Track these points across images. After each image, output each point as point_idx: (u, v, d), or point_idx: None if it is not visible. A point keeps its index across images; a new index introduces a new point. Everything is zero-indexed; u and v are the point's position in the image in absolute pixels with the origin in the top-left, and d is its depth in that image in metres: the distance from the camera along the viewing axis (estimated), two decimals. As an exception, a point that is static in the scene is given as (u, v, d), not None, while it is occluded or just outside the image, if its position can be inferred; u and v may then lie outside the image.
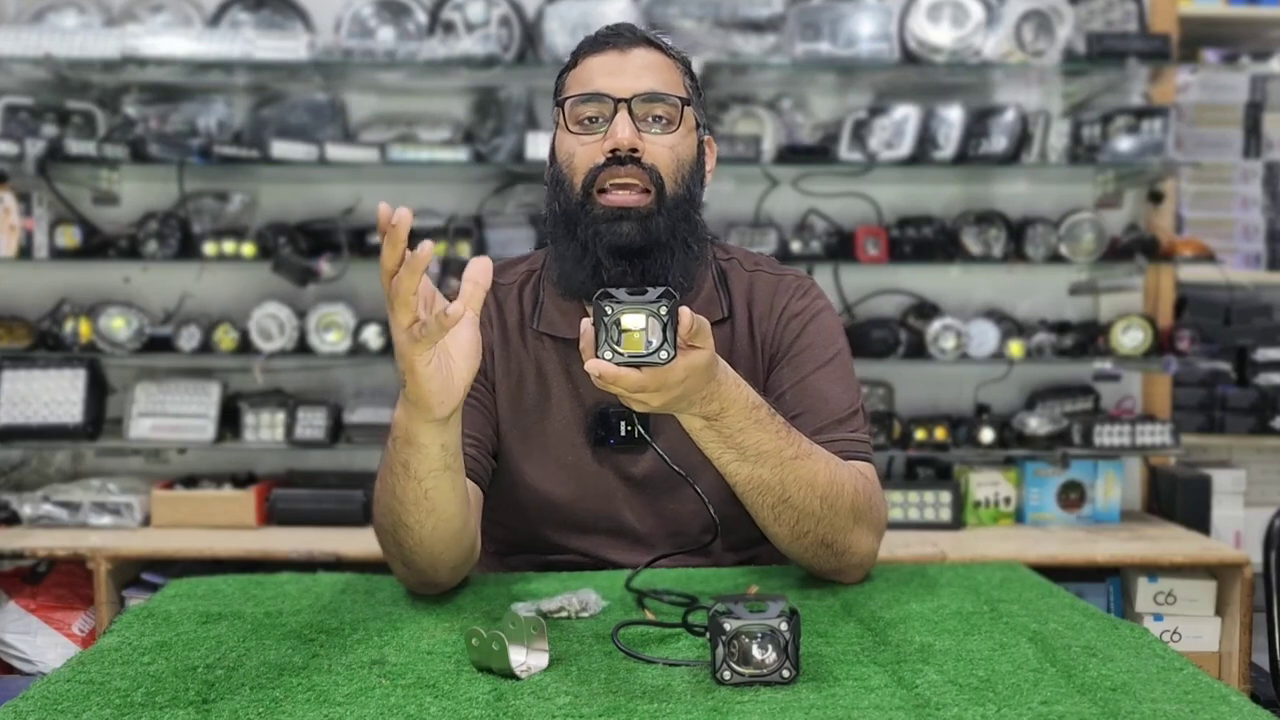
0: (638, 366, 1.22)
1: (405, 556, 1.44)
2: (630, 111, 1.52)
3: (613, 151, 1.51)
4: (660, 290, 1.22)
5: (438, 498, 1.37)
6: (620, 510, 1.62)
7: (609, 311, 1.22)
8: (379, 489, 1.43)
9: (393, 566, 1.50)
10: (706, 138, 1.65)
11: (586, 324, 1.23)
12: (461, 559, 1.48)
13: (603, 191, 1.53)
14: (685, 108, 1.56)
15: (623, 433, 1.59)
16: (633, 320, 1.22)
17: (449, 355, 1.28)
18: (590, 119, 1.55)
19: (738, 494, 1.46)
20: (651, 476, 1.59)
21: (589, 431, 1.60)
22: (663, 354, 1.22)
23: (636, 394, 1.24)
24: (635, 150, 1.51)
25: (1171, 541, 2.80)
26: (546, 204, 1.62)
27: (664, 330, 1.22)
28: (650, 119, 1.54)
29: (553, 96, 1.64)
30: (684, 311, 1.22)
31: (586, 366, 1.22)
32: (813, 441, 1.53)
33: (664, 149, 1.54)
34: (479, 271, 1.28)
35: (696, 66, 1.79)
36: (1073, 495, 3.00)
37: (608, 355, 1.22)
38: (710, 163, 1.66)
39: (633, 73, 1.55)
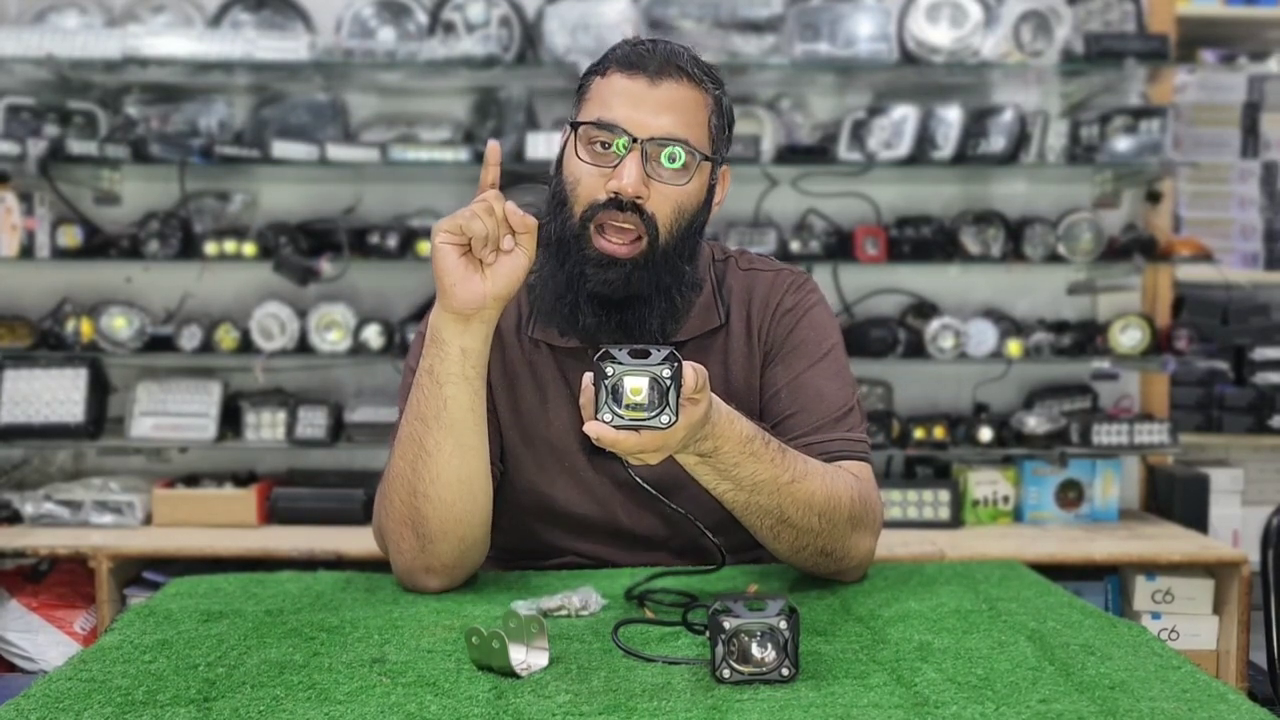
0: (637, 429, 1.20)
1: (419, 507, 1.45)
2: (644, 151, 1.48)
3: (615, 194, 1.48)
4: (665, 353, 1.19)
5: (456, 410, 1.43)
6: (620, 515, 1.62)
7: (610, 373, 1.19)
8: (399, 431, 1.49)
9: (399, 540, 1.49)
10: (723, 168, 1.61)
11: (588, 380, 1.22)
12: (469, 534, 1.49)
13: (600, 228, 1.50)
14: (702, 162, 1.52)
15: None
16: (634, 383, 1.19)
17: (477, 264, 1.42)
18: (604, 144, 1.50)
19: (736, 516, 1.46)
20: (650, 482, 1.58)
21: (586, 438, 1.59)
22: (664, 418, 1.19)
23: (635, 454, 1.24)
24: (639, 198, 1.48)
25: (1169, 540, 2.81)
26: (546, 215, 1.58)
27: (666, 394, 1.19)
28: (664, 158, 1.49)
29: (575, 94, 1.59)
30: (688, 373, 1.21)
31: (585, 428, 1.22)
32: (804, 439, 1.54)
33: (668, 200, 1.50)
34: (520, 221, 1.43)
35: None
36: (1071, 494, 3.00)
37: (607, 417, 1.19)
38: (720, 194, 1.62)
39: (656, 108, 1.49)
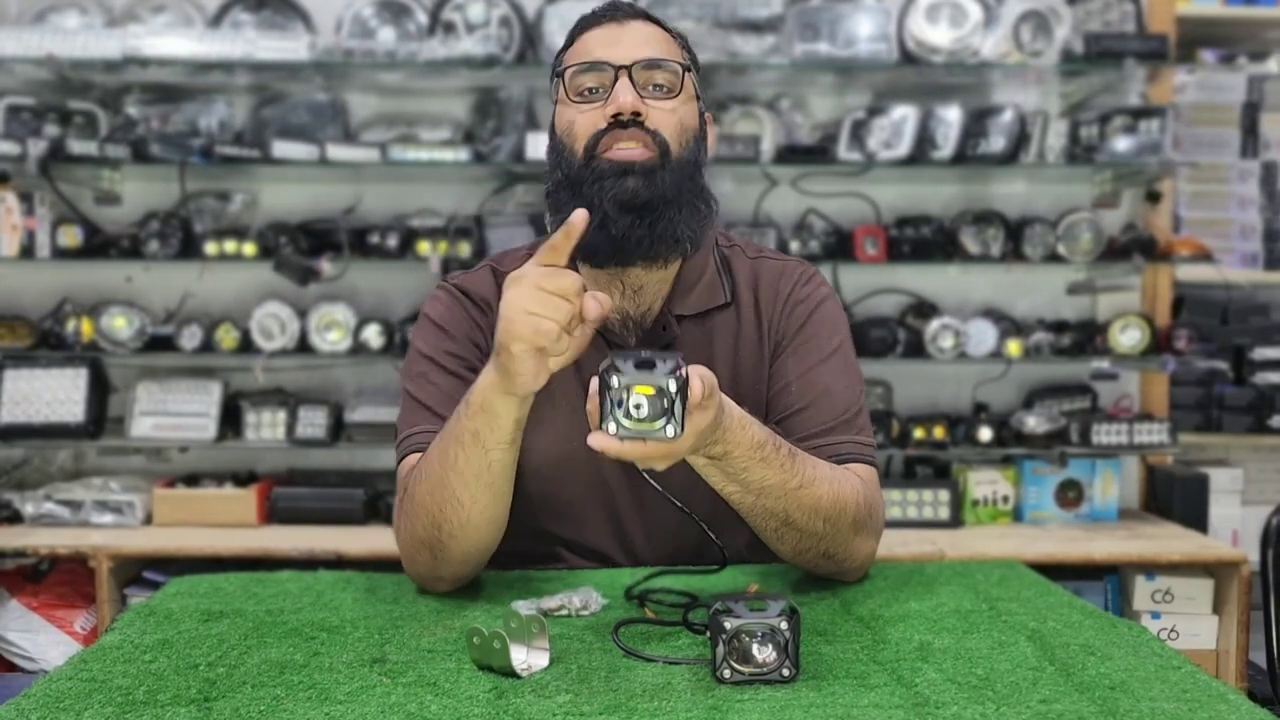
0: (643, 439, 1.18)
1: (442, 540, 1.44)
2: (631, 78, 1.50)
3: (615, 116, 1.49)
4: (671, 364, 1.18)
5: (499, 472, 1.41)
6: (626, 504, 1.61)
7: (615, 384, 1.17)
8: (427, 468, 1.44)
9: (415, 554, 1.48)
10: (706, 115, 1.63)
11: (594, 389, 1.20)
12: (488, 553, 1.50)
13: (606, 151, 1.51)
14: (686, 74, 1.55)
15: None
16: (640, 394, 1.17)
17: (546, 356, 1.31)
18: (591, 89, 1.53)
19: (741, 516, 1.46)
20: (668, 480, 1.55)
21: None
22: (669, 430, 1.18)
23: (641, 463, 1.24)
24: (638, 114, 1.50)
25: (1169, 540, 2.81)
26: (548, 176, 1.59)
27: (672, 405, 1.17)
28: (651, 86, 1.52)
29: (551, 78, 1.62)
30: (695, 382, 1.20)
31: (590, 441, 1.19)
32: (814, 440, 1.54)
33: (666, 113, 1.52)
34: (597, 306, 1.29)
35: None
36: (1071, 494, 3.00)
37: (612, 428, 1.17)
38: (711, 140, 1.63)
39: (631, 42, 1.54)
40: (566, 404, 1.60)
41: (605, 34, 1.55)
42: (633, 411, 1.17)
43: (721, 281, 1.64)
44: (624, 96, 1.49)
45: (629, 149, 1.50)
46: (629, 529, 1.63)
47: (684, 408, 1.18)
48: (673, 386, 1.17)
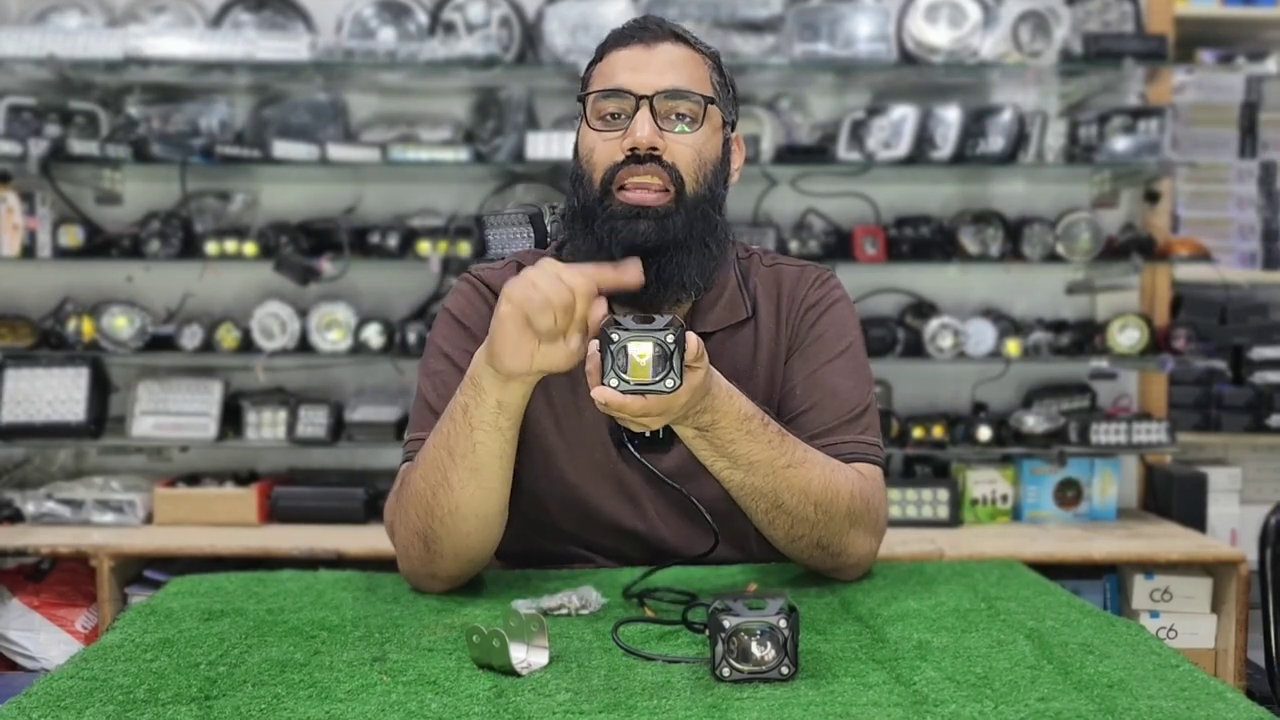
0: (643, 394, 1.24)
1: (434, 529, 1.44)
2: (652, 108, 1.49)
3: (632, 150, 1.48)
4: (667, 319, 1.23)
5: (484, 455, 1.41)
6: (646, 509, 1.61)
7: (615, 339, 1.23)
8: (424, 450, 1.46)
9: (409, 548, 1.48)
10: (734, 135, 1.61)
11: (593, 348, 1.25)
12: (480, 555, 1.50)
13: (622, 189, 1.50)
14: (709, 106, 1.53)
15: (647, 434, 1.54)
16: (639, 348, 1.23)
17: (534, 335, 1.32)
18: (612, 115, 1.51)
19: (733, 496, 1.46)
20: (677, 475, 1.54)
21: (613, 430, 1.58)
22: (668, 383, 1.23)
23: (639, 418, 1.27)
24: (655, 149, 1.48)
25: (1167, 539, 2.82)
26: (567, 199, 1.59)
27: (670, 358, 1.23)
28: (673, 116, 1.50)
29: (579, 90, 1.60)
30: (690, 337, 1.24)
31: (593, 393, 1.24)
32: (818, 439, 1.54)
33: (685, 148, 1.51)
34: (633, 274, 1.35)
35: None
36: (1069, 493, 3.01)
37: (614, 383, 1.23)
38: (737, 161, 1.62)
39: (657, 68, 1.51)
40: (591, 410, 1.59)
41: (632, 56, 1.53)
42: (636, 362, 1.23)
43: (742, 296, 1.64)
44: (641, 131, 1.47)
45: (643, 189, 1.49)
46: (653, 541, 1.62)
47: (681, 360, 1.24)
48: (670, 339, 1.23)
